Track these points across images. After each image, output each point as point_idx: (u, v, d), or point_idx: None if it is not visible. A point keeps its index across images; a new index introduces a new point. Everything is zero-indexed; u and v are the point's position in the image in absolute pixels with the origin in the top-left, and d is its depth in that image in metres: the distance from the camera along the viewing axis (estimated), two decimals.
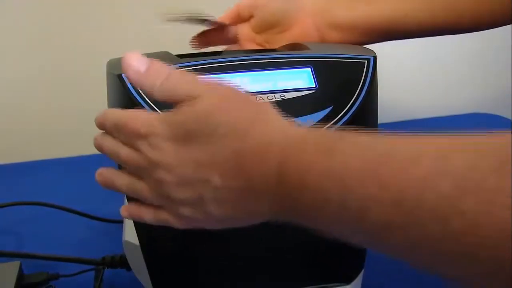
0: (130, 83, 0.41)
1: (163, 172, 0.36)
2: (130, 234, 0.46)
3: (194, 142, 0.35)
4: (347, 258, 0.48)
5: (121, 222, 0.51)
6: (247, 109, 0.36)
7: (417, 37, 0.56)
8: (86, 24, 1.09)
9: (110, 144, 0.40)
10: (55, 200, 0.74)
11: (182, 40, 0.63)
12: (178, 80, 0.37)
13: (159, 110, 0.41)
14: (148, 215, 0.40)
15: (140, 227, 0.45)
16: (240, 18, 0.60)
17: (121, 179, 0.41)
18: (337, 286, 0.48)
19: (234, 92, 0.37)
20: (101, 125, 0.41)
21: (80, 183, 0.86)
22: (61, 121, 1.12)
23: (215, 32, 0.61)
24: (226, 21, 0.60)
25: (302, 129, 0.36)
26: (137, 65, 0.38)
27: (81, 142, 1.00)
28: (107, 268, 0.60)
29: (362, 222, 0.30)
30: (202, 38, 0.62)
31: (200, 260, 0.44)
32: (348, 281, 0.48)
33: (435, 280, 0.64)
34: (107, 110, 0.41)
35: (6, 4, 1.05)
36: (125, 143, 0.39)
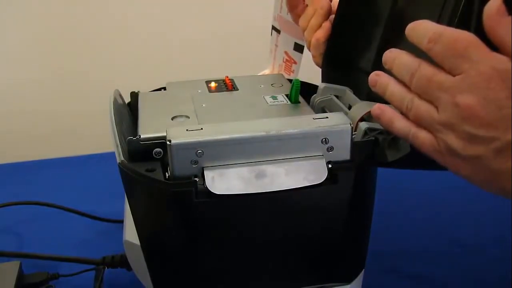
0: None
1: (474, 99, 0.33)
2: (130, 234, 0.46)
3: None
4: (347, 257, 0.48)
5: (121, 222, 0.51)
6: None
7: None
8: (87, 25, 1.09)
9: (407, 59, 0.38)
10: (55, 200, 0.74)
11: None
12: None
13: None
14: (402, 124, 0.39)
15: (141, 226, 0.45)
16: None
17: (397, 87, 0.39)
18: (337, 285, 0.48)
19: None
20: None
21: (80, 183, 0.86)
22: (61, 121, 1.12)
23: None
24: None
25: None
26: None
27: (81, 142, 1.00)
28: (107, 268, 0.60)
29: None
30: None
31: (201, 260, 0.44)
32: (349, 281, 0.48)
33: (435, 280, 0.64)
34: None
35: (6, 5, 1.05)
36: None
